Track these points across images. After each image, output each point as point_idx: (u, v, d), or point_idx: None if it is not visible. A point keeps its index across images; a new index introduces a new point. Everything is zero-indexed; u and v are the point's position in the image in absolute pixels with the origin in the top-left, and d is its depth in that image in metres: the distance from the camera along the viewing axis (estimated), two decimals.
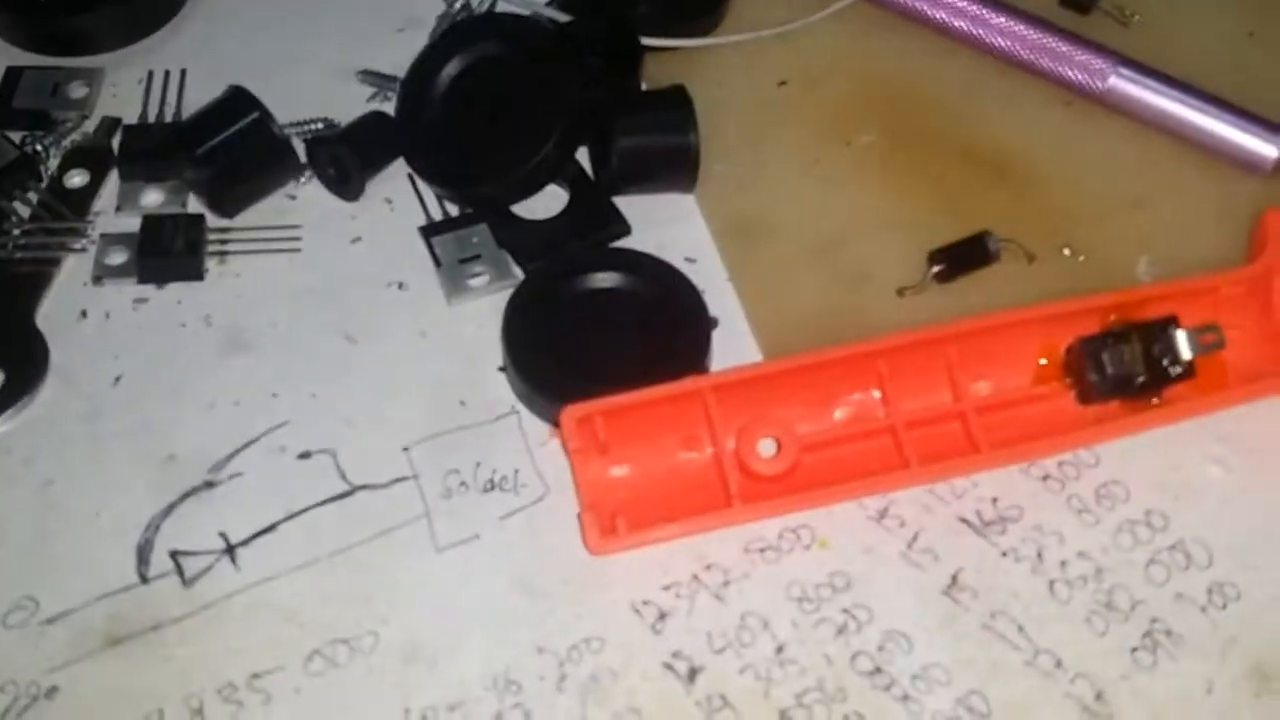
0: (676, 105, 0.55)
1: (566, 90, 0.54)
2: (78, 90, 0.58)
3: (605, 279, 0.52)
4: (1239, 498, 0.48)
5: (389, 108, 0.58)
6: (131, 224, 0.54)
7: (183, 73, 0.59)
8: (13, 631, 0.44)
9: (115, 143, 0.56)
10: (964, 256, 0.53)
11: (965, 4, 0.60)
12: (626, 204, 0.56)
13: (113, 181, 0.56)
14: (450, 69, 0.56)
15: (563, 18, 0.59)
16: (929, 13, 0.61)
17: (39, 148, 0.56)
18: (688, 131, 0.54)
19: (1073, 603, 0.46)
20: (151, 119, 0.57)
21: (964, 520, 0.48)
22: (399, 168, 0.57)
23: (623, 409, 0.47)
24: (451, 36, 0.56)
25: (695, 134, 0.54)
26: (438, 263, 0.53)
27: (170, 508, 0.47)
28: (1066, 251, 0.54)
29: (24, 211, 0.54)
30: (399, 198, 0.56)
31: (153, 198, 0.55)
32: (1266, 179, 0.56)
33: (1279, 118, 0.57)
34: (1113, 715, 0.43)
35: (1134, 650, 0.45)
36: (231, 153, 0.53)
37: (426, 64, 0.56)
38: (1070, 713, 0.44)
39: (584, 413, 0.46)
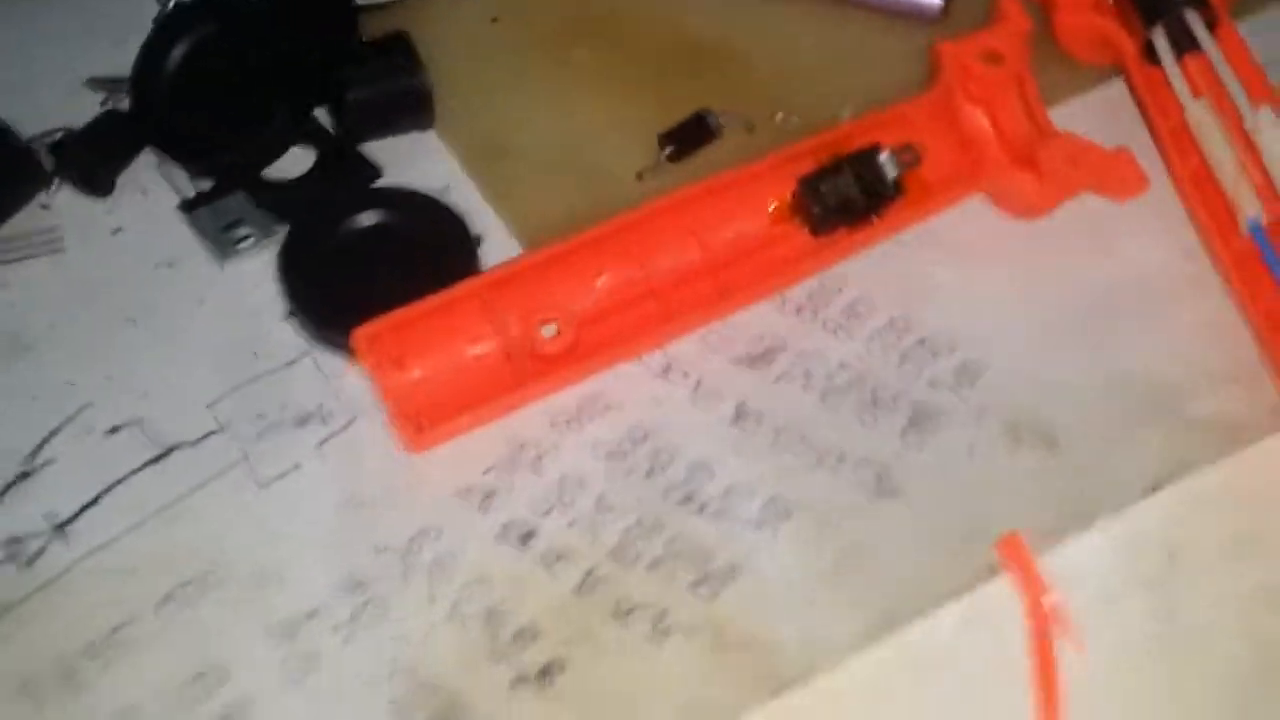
0: (399, 50, 0.58)
1: (288, 56, 0.57)
2: None
3: (366, 217, 0.55)
4: (964, 289, 0.55)
5: (119, 108, 0.60)
6: None
7: None
8: None
9: None
10: (689, 135, 0.58)
11: None
12: (373, 150, 0.59)
13: None
14: (175, 54, 0.57)
15: None
16: None
17: None
18: (415, 72, 0.58)
19: (843, 407, 0.52)
20: None
21: (737, 360, 0.53)
22: (146, 159, 0.58)
23: (409, 320, 0.50)
24: (170, 23, 0.58)
25: (424, 73, 0.58)
26: (202, 234, 0.55)
27: None
28: (779, 117, 0.60)
29: None
30: (152, 186, 0.58)
31: None
32: (937, 24, 0.63)
33: None
34: (897, 487, 0.49)
35: (903, 433, 0.51)
36: None
37: (150, 55, 0.58)
38: (862, 494, 0.49)
39: (374, 330, 0.50)
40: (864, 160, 0.54)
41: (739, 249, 0.54)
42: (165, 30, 0.58)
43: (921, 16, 0.63)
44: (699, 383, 0.52)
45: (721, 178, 0.54)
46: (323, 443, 0.50)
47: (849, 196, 0.54)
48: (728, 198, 0.54)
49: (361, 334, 0.49)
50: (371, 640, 0.45)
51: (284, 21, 0.58)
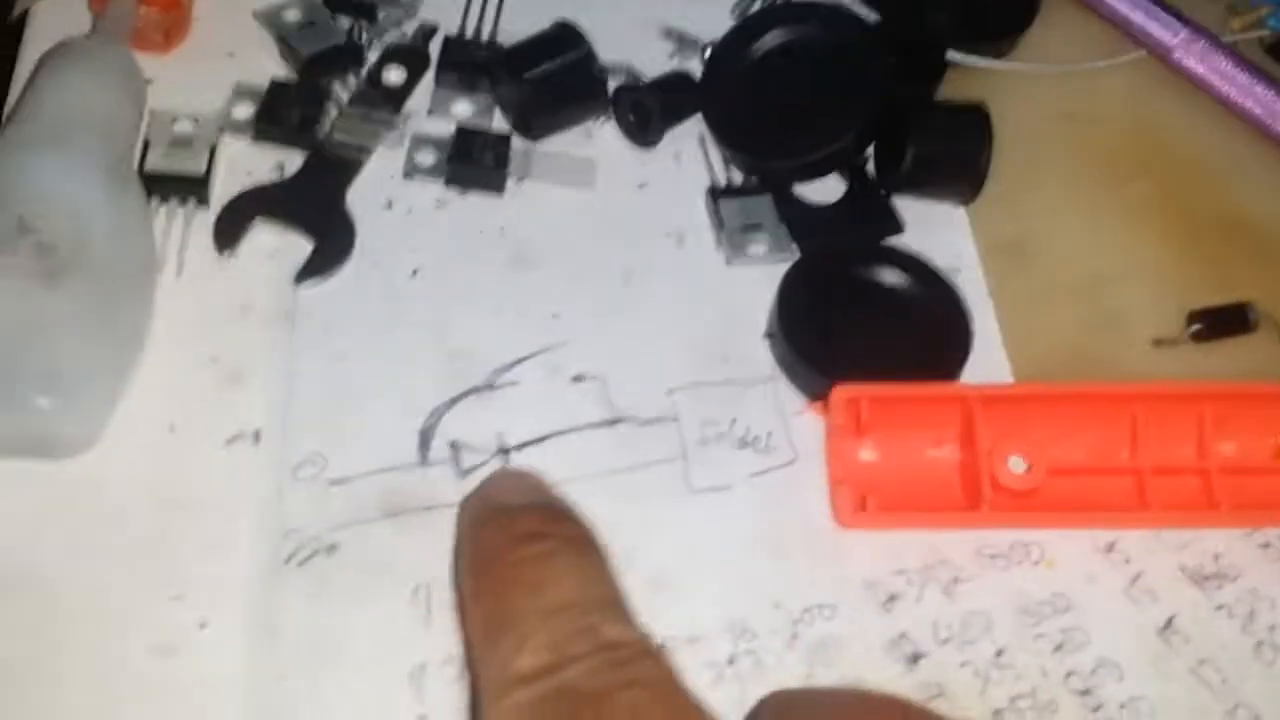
0: (975, 121, 0.56)
1: (873, 87, 0.56)
2: None
3: (880, 273, 0.54)
4: None
5: (682, 66, 0.60)
6: (440, 128, 0.57)
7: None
8: (301, 485, 0.48)
9: (432, 48, 0.59)
10: (1224, 322, 0.55)
11: (1254, 86, 0.62)
12: (899, 205, 0.58)
13: (425, 86, 0.59)
14: (761, 45, 0.58)
15: (870, 15, 0.61)
16: (1217, 85, 0.62)
17: (364, 37, 0.59)
18: (981, 147, 0.56)
19: (1277, 665, 0.48)
20: (469, 34, 0.60)
21: (1184, 570, 0.50)
22: (688, 128, 0.59)
23: (888, 399, 0.49)
24: (769, 14, 0.59)
25: (989, 151, 0.56)
26: (720, 224, 0.56)
27: (453, 401, 0.50)
28: None
29: (344, 97, 0.57)
30: (686, 155, 0.59)
31: (462, 108, 0.58)
32: None
33: None
34: None
35: None
36: (553, 82, 0.56)
37: (739, 36, 0.58)
38: None
39: (853, 394, 0.49)
40: None
41: (1232, 466, 0.51)
42: (765, 16, 0.58)
43: None
44: (1138, 576, 0.50)
45: (1243, 388, 0.51)
46: (757, 475, 0.50)
47: None
48: (1246, 408, 0.51)
49: (840, 393, 0.49)
50: (738, 691, 0.45)
51: (878, 53, 0.58)
